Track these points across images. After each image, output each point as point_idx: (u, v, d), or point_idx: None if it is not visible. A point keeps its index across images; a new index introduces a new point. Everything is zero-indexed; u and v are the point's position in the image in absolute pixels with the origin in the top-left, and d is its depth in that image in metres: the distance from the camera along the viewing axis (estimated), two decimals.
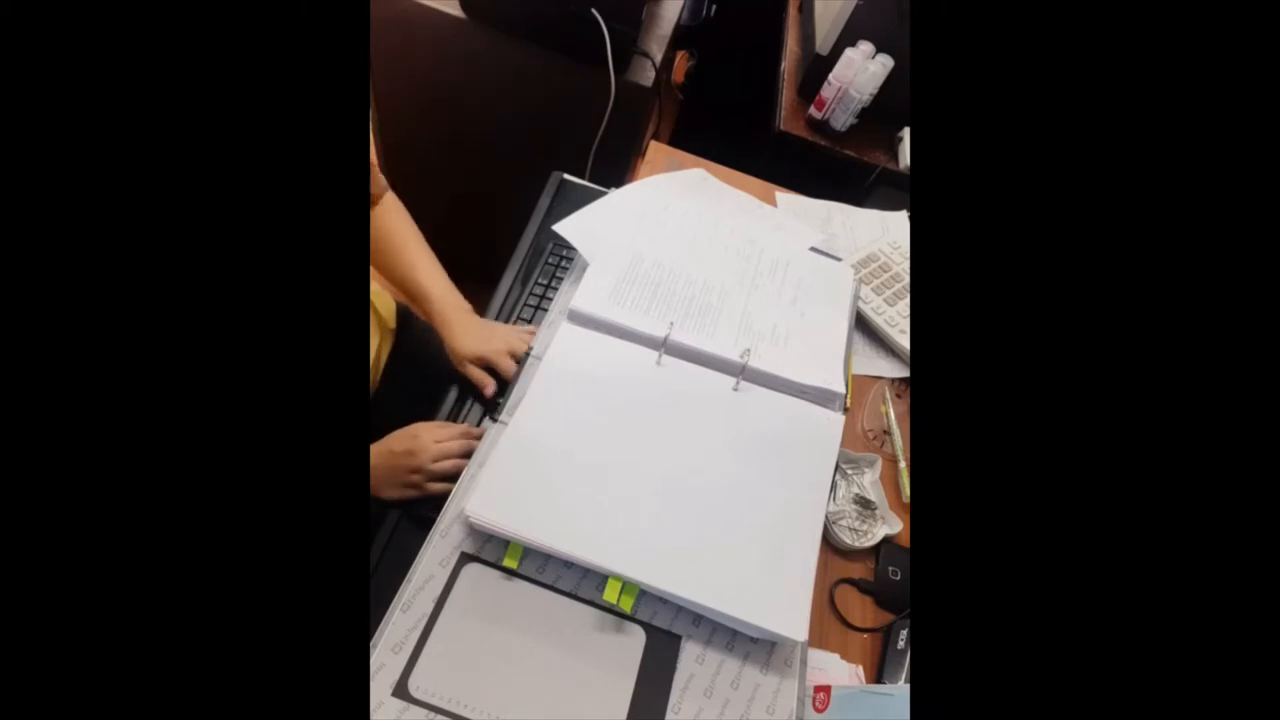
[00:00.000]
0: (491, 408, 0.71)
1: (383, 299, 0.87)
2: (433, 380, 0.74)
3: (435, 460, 0.64)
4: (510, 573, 0.53)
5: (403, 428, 0.67)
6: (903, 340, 0.84)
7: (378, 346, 0.83)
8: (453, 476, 0.63)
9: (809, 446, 0.63)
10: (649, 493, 0.57)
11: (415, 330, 0.90)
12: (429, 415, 0.68)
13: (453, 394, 0.71)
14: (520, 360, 0.64)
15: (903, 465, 0.76)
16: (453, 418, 0.67)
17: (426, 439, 0.65)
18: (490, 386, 0.71)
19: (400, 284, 0.78)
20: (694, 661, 0.53)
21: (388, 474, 0.64)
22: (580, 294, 0.67)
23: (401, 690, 0.48)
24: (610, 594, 0.52)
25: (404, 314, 0.90)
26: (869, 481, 0.74)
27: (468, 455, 0.64)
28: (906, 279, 0.90)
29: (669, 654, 0.53)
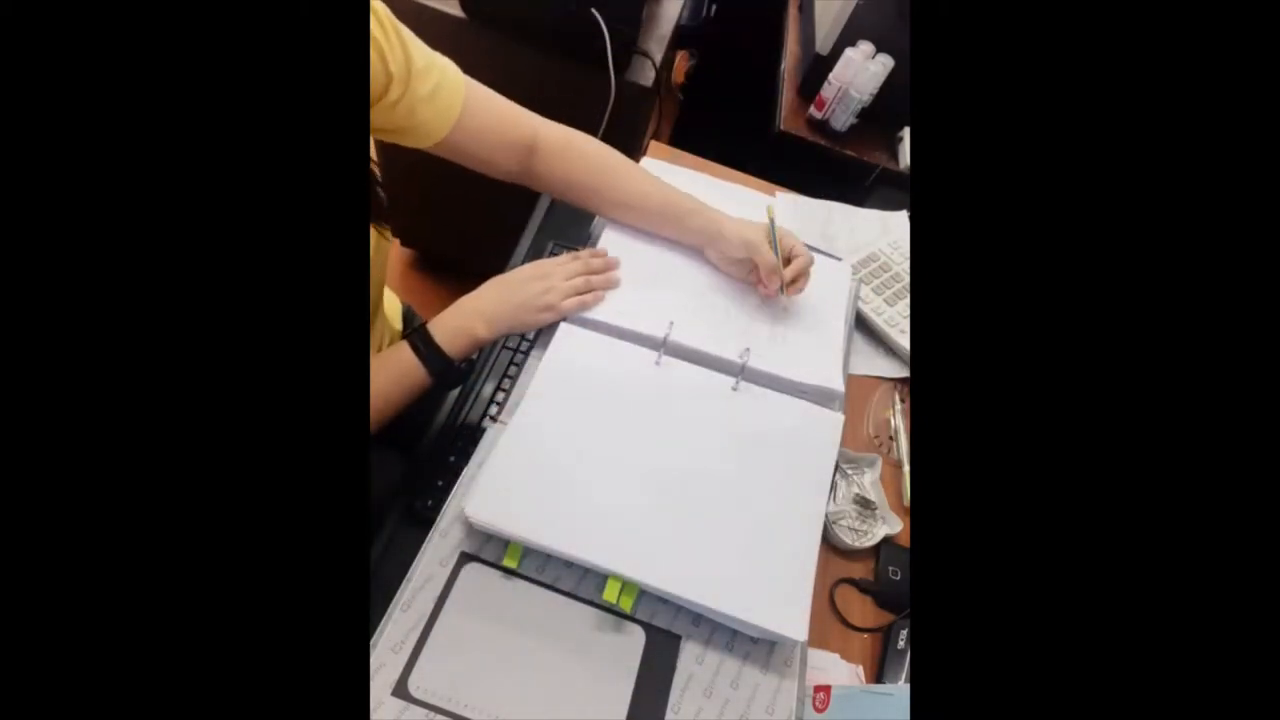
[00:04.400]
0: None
1: (389, 299, 0.87)
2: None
3: (567, 278, 0.65)
4: (510, 572, 0.54)
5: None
6: (903, 340, 0.84)
7: (382, 346, 0.83)
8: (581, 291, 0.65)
9: (809, 446, 0.63)
10: (649, 492, 0.57)
11: None
12: (431, 416, 0.68)
13: (454, 394, 0.71)
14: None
15: (906, 469, 0.76)
16: (453, 417, 0.67)
17: (547, 261, 0.67)
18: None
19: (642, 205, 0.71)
20: (694, 661, 0.53)
21: (521, 297, 0.64)
22: None
23: (401, 690, 0.48)
24: (610, 594, 0.52)
25: (409, 315, 0.90)
26: (869, 481, 0.74)
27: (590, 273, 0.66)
28: (906, 279, 0.90)
29: (669, 654, 0.53)
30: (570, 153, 0.69)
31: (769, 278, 0.68)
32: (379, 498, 0.64)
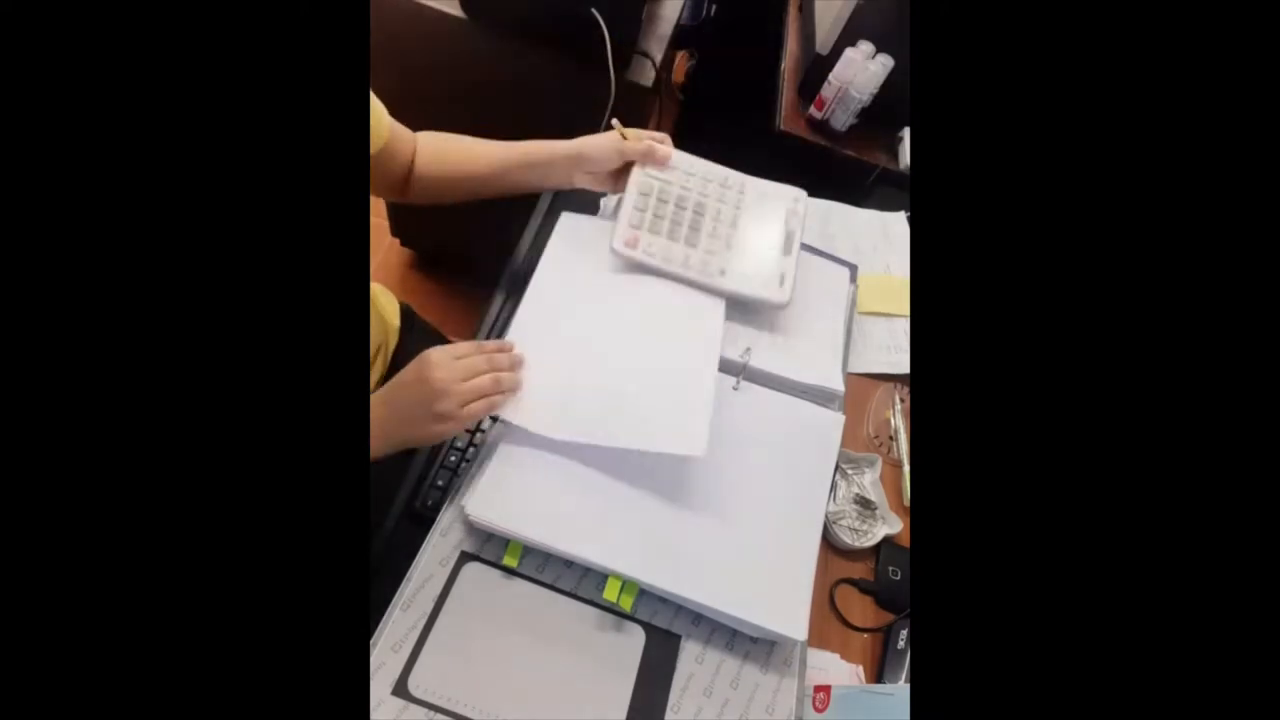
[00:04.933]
0: None
1: (386, 298, 0.87)
2: None
3: (465, 379, 0.54)
4: (510, 572, 0.53)
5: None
6: None
7: (381, 346, 0.83)
8: (487, 395, 0.54)
9: (809, 446, 0.63)
10: (649, 491, 0.57)
11: (418, 329, 0.90)
12: None
13: None
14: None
15: (906, 469, 0.76)
16: None
17: (441, 357, 0.54)
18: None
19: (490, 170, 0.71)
20: (693, 661, 0.53)
21: (409, 410, 0.53)
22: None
23: (401, 689, 0.48)
24: (610, 593, 0.52)
25: (406, 313, 0.90)
26: (869, 481, 0.73)
27: (495, 370, 0.56)
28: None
29: (668, 653, 0.53)
30: (432, 166, 0.71)
31: (647, 152, 0.70)
32: (379, 498, 0.64)
